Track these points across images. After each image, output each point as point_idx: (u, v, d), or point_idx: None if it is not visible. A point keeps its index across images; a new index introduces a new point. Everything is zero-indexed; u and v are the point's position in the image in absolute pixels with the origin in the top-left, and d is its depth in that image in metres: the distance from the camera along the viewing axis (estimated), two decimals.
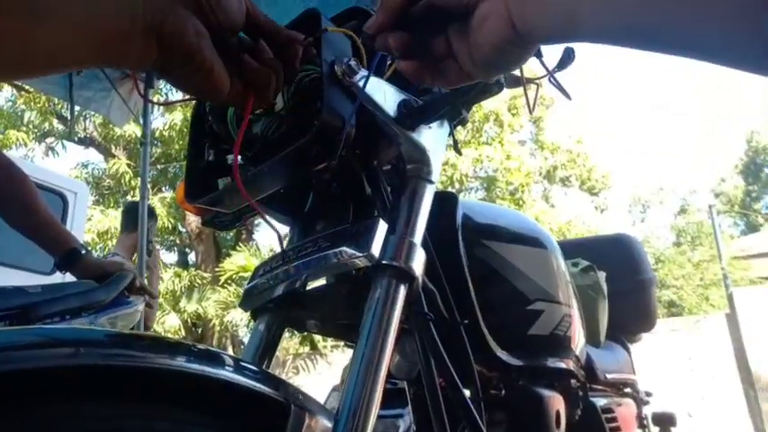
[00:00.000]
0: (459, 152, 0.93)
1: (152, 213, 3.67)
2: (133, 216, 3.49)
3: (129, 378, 0.52)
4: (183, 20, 0.46)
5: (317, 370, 9.84)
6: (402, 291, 0.70)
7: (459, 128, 0.90)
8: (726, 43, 0.34)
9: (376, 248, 0.70)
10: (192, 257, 12.41)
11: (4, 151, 1.54)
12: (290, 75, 0.58)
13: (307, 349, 10.70)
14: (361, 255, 0.70)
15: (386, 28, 0.53)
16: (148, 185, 3.52)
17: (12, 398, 0.45)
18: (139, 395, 0.53)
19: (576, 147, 14.59)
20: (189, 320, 10.52)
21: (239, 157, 0.79)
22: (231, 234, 12.08)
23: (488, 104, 11.25)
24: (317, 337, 10.37)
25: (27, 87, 8.65)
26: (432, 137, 0.80)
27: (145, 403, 0.53)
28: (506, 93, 0.80)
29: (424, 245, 0.76)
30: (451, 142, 0.87)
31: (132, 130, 9.95)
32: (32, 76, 0.45)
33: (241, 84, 0.53)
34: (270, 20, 0.55)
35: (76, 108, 3.98)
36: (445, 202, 0.99)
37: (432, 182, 0.80)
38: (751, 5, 0.32)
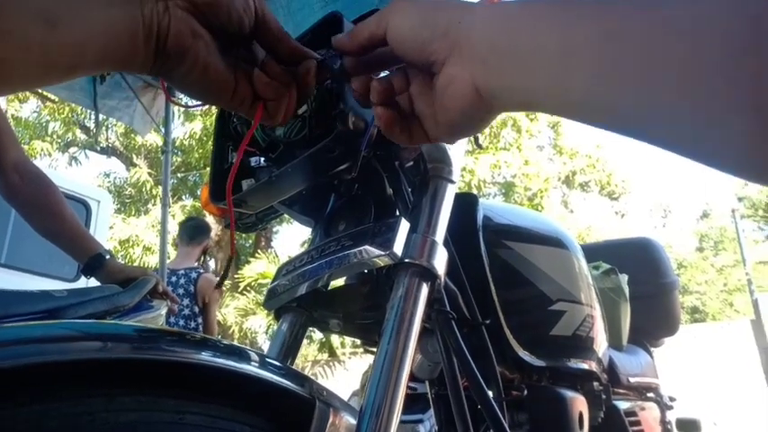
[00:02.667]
0: (479, 146, 0.94)
1: (206, 228, 3.74)
2: (189, 230, 3.58)
3: (158, 371, 0.53)
4: (177, 20, 0.46)
5: (336, 377, 9.85)
6: (424, 289, 0.71)
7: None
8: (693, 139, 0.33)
9: (398, 247, 0.71)
10: (211, 264, 12.52)
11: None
12: (303, 92, 0.56)
13: (325, 356, 10.72)
14: (383, 253, 0.71)
15: (352, 70, 0.54)
16: (169, 193, 3.57)
17: (47, 389, 0.47)
18: (169, 388, 0.54)
19: (595, 151, 14.46)
20: None
21: (262, 159, 0.81)
22: (250, 241, 12.18)
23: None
24: (336, 344, 10.39)
25: (52, 97, 8.84)
26: None
27: (174, 396, 0.54)
28: None
29: (446, 245, 0.76)
30: (472, 141, 0.87)
31: (153, 139, 10.10)
32: (47, 84, 0.45)
33: (251, 93, 0.53)
34: (282, 30, 0.54)
35: (100, 117, 4.06)
36: (466, 202, 1.00)
37: (453, 181, 0.81)
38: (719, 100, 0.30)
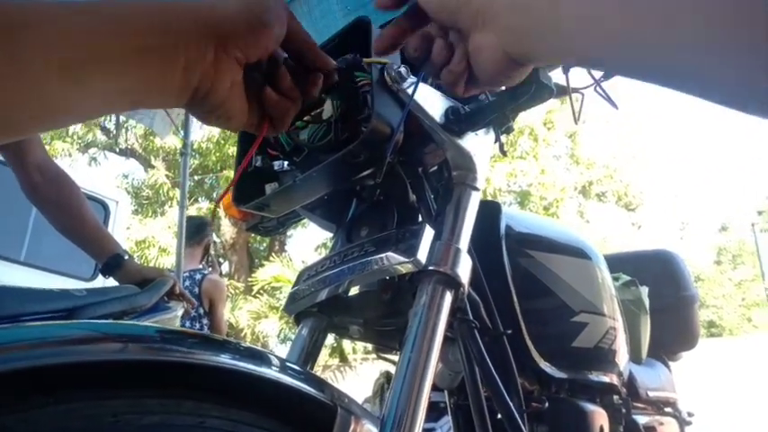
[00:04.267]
0: (504, 153, 0.93)
1: (204, 225, 3.76)
2: (187, 230, 3.60)
3: (180, 374, 0.53)
4: (222, 74, 0.44)
5: (347, 382, 9.83)
6: (448, 297, 0.70)
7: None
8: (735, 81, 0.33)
9: (422, 254, 0.70)
10: (225, 267, 12.58)
11: None
12: (306, 102, 0.55)
13: (336, 361, 10.71)
14: (407, 260, 0.70)
15: (388, 49, 0.56)
16: (186, 195, 3.61)
17: (71, 389, 0.46)
18: (191, 391, 0.54)
19: (612, 162, 14.35)
20: None
21: (286, 163, 0.80)
22: (264, 245, 12.24)
23: (523, 119, 11.18)
24: (347, 349, 10.38)
25: None
26: (478, 144, 0.80)
27: (197, 399, 0.53)
28: (541, 107, 0.79)
29: (469, 253, 0.76)
30: (497, 149, 0.86)
31: (171, 141, 10.20)
32: (65, 126, 0.45)
33: (258, 112, 0.52)
34: (310, 38, 0.53)
35: (121, 118, 4.11)
36: (488, 210, 0.99)
37: (477, 189, 0.80)
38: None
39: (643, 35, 0.36)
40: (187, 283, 3.39)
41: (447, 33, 0.52)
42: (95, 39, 0.38)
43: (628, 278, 1.75)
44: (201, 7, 0.43)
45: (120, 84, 0.39)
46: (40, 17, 0.36)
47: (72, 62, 0.36)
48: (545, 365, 0.95)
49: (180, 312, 1.68)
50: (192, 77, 0.43)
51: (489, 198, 11.17)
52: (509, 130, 0.85)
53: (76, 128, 11.44)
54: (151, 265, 9.61)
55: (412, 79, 0.71)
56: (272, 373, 0.57)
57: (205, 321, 3.42)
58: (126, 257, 1.60)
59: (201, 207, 11.59)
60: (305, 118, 0.75)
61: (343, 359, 10.58)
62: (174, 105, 0.46)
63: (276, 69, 0.52)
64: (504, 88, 0.77)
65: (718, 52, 0.32)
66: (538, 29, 0.43)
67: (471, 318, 0.77)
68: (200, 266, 3.59)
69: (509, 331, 0.86)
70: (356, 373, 9.92)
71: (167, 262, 9.93)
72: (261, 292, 10.30)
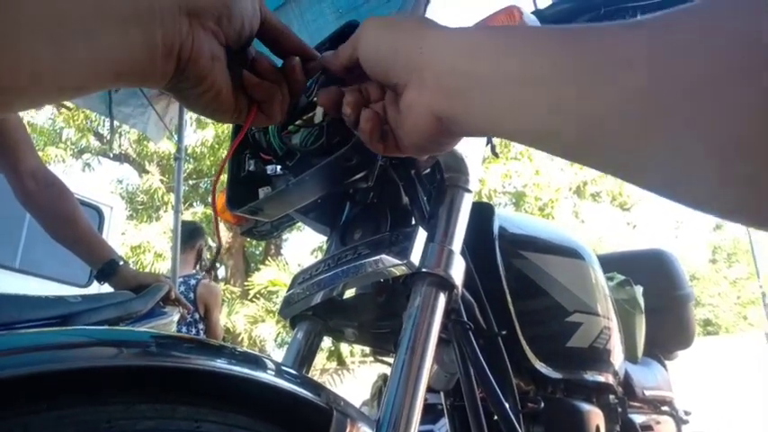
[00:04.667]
0: (496, 155, 0.93)
1: (197, 231, 3.76)
2: (184, 233, 3.59)
3: (175, 379, 0.53)
4: (199, 43, 0.45)
5: (345, 385, 9.82)
6: (442, 299, 0.70)
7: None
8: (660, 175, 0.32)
9: (416, 256, 0.71)
10: (221, 272, 12.56)
11: None
12: (294, 89, 0.56)
13: (334, 364, 10.69)
14: (401, 263, 0.70)
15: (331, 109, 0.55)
16: (181, 199, 3.60)
17: (65, 395, 0.47)
18: (186, 396, 0.54)
19: None
20: None
21: (279, 167, 0.81)
22: (260, 249, 12.22)
23: None
24: (345, 352, 10.37)
25: (67, 104, 8.94)
26: (470, 146, 0.80)
27: (191, 404, 0.53)
28: None
29: (462, 254, 0.76)
30: (489, 151, 0.87)
31: (165, 146, 10.18)
32: (55, 102, 0.45)
33: (247, 101, 0.53)
34: (284, 25, 0.54)
35: (115, 123, 4.10)
36: (482, 212, 0.99)
37: (470, 191, 0.81)
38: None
39: (608, 150, 0.34)
40: (182, 288, 3.39)
41: (382, 93, 0.52)
42: (76, 6, 0.39)
43: (622, 278, 1.76)
44: None
45: (104, 53, 0.40)
46: None
47: (58, 28, 0.38)
48: (540, 366, 0.96)
49: (176, 318, 1.68)
50: (171, 46, 0.44)
51: (484, 199, 11.21)
52: None
53: (70, 133, 11.41)
54: (147, 270, 9.60)
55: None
56: (267, 377, 0.57)
57: (201, 326, 3.42)
58: (121, 263, 1.60)
59: (197, 211, 11.57)
60: (297, 122, 0.75)
61: (341, 362, 10.57)
62: (161, 78, 0.46)
63: (251, 54, 0.53)
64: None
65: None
66: (472, 92, 0.41)
67: (466, 319, 0.77)
68: (194, 272, 3.59)
69: (504, 332, 0.86)
70: (354, 376, 9.91)
71: (163, 267, 9.91)
72: (257, 296, 10.28)
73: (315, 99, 0.75)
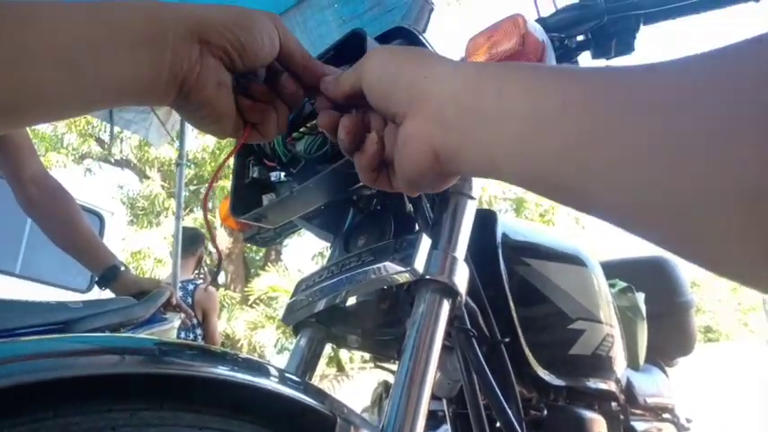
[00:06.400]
0: None
1: (198, 237, 3.76)
2: (184, 239, 3.58)
3: (179, 386, 0.53)
4: (206, 72, 0.46)
5: (344, 391, 9.79)
6: (446, 306, 0.70)
7: None
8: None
9: (419, 264, 0.71)
10: (221, 277, 12.56)
11: None
12: (291, 104, 0.56)
13: (333, 371, 10.66)
14: (404, 270, 0.70)
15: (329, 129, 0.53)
16: (182, 205, 3.60)
17: (69, 403, 0.46)
18: (189, 403, 0.53)
19: None
20: None
21: (282, 174, 0.81)
22: (260, 254, 12.21)
23: None
24: (344, 359, 10.34)
25: None
26: None
27: (195, 411, 0.53)
28: None
29: (465, 261, 0.76)
30: None
31: (166, 152, 10.20)
32: (63, 118, 0.46)
33: (242, 119, 0.53)
34: (307, 54, 0.54)
35: (116, 129, 4.11)
36: (485, 219, 0.99)
37: (473, 197, 0.81)
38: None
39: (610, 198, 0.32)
40: (180, 293, 3.38)
41: (383, 123, 0.50)
42: (90, 30, 0.40)
43: (624, 285, 1.76)
44: (191, 10, 0.45)
45: (112, 75, 0.41)
46: (43, 11, 0.38)
47: (68, 52, 0.38)
48: (543, 373, 0.96)
49: (177, 323, 1.68)
50: (177, 71, 0.44)
51: (484, 206, 11.22)
52: None
53: (71, 139, 11.43)
54: (147, 275, 9.58)
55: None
56: (271, 384, 0.57)
57: (199, 332, 3.41)
58: (122, 269, 1.60)
59: (197, 217, 11.57)
60: (301, 129, 0.75)
61: (341, 369, 10.54)
62: (162, 100, 0.46)
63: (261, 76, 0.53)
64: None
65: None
66: (475, 128, 0.39)
67: (469, 326, 0.77)
68: (192, 277, 3.59)
69: (506, 339, 0.86)
70: (353, 382, 9.88)
71: (163, 273, 9.90)
72: (257, 302, 10.27)
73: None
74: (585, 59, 0.88)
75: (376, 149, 0.49)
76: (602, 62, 0.88)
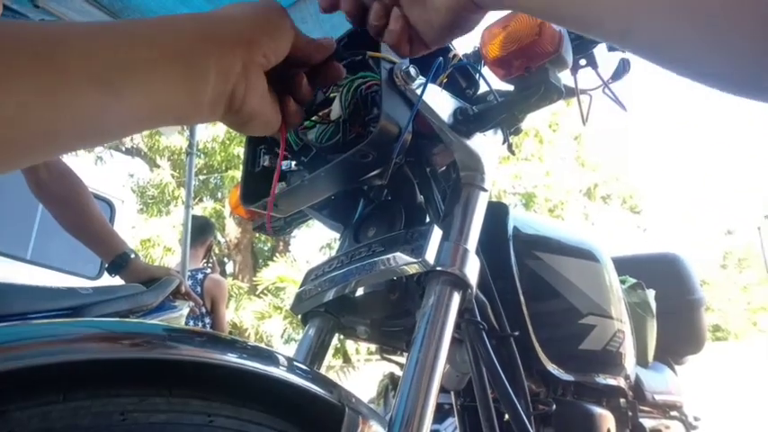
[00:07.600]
0: (513, 153, 0.92)
1: (208, 227, 3.77)
2: (192, 230, 3.59)
3: (188, 372, 0.53)
4: (251, 84, 0.45)
5: (350, 383, 9.82)
6: (456, 298, 0.70)
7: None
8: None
9: (430, 255, 0.70)
10: (230, 267, 12.61)
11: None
12: (301, 99, 0.55)
13: (339, 362, 10.70)
14: (415, 261, 0.70)
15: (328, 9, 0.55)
16: (192, 194, 3.60)
17: (79, 386, 0.46)
18: (198, 390, 0.53)
19: (618, 164, 14.31)
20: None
21: (293, 162, 0.80)
22: (268, 245, 12.25)
23: (528, 121, 11.16)
24: (350, 350, 10.37)
25: None
26: (486, 144, 0.79)
27: (204, 398, 0.53)
28: (546, 109, 0.80)
29: (477, 254, 0.75)
30: (505, 149, 0.86)
31: (176, 141, 10.23)
32: (103, 143, 0.44)
33: (278, 119, 0.52)
34: (310, 39, 0.54)
35: None
36: (496, 212, 0.98)
37: (485, 189, 0.80)
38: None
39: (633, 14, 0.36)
40: (189, 282, 3.40)
41: None
42: (129, 51, 0.38)
43: (634, 281, 1.74)
44: (224, 18, 0.44)
45: (154, 95, 0.39)
46: (77, 32, 0.37)
47: (107, 73, 0.37)
48: (552, 368, 0.95)
49: (186, 311, 1.68)
50: (223, 89, 0.43)
51: (494, 199, 11.17)
52: (518, 132, 0.85)
53: None
54: (156, 263, 9.64)
55: (421, 79, 0.71)
56: (280, 372, 0.57)
57: (207, 320, 3.44)
58: (133, 256, 1.60)
59: (207, 206, 11.62)
60: (313, 118, 0.75)
61: (347, 360, 10.58)
62: (209, 119, 0.45)
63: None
64: (512, 88, 0.76)
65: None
66: None
67: (479, 319, 0.77)
68: (201, 266, 3.61)
69: (516, 333, 0.85)
70: (359, 373, 9.91)
71: (172, 261, 9.95)
72: (265, 292, 10.31)
73: (331, 95, 0.74)
74: (601, 51, 0.87)
75: (403, 24, 0.53)
76: (617, 53, 0.86)
